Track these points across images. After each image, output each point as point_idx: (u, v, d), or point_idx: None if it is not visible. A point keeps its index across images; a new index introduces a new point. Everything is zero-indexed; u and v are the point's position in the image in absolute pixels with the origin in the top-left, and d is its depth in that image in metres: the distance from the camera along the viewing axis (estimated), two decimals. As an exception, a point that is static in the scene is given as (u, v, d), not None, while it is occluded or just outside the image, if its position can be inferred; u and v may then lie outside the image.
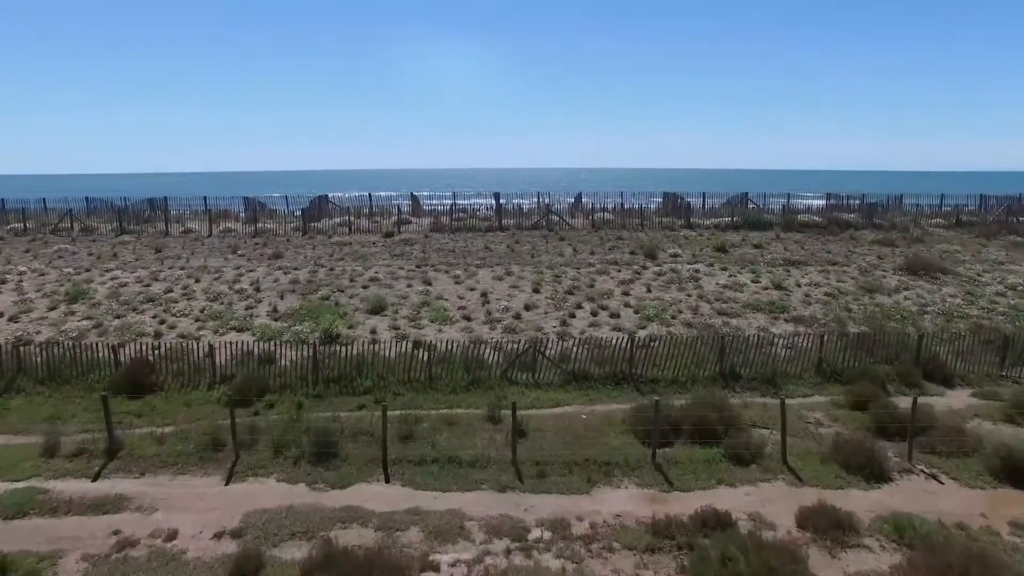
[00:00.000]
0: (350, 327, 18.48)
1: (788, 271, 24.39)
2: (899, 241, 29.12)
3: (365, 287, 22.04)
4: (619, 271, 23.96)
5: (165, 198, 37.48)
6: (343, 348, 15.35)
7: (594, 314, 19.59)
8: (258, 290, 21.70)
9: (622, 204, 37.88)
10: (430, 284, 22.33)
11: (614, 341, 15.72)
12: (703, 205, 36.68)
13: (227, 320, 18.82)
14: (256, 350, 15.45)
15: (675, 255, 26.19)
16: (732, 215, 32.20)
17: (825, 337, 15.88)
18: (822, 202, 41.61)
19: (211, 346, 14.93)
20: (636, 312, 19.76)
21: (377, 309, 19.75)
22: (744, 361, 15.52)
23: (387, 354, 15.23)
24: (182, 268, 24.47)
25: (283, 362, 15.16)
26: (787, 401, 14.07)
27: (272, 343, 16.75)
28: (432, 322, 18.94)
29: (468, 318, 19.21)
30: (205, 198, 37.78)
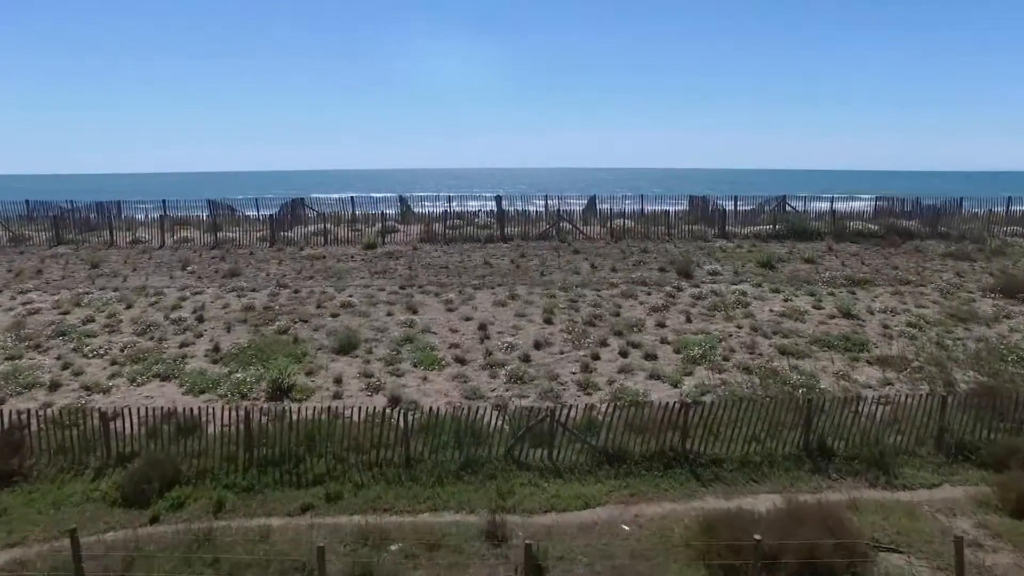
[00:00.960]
0: (308, 373, 14.71)
1: (854, 293, 20.59)
2: (975, 254, 25.30)
3: (335, 316, 18.24)
4: (649, 294, 20.14)
5: (118, 202, 33.76)
6: (293, 408, 11.60)
7: (623, 354, 15.80)
8: (201, 320, 17.91)
9: (642, 209, 34.07)
10: (416, 312, 18.53)
11: (656, 401, 11.96)
12: (735, 210, 32.87)
13: (152, 363, 15.04)
14: (177, 413, 11.65)
15: (714, 273, 22.37)
16: (774, 223, 28.38)
17: (949, 399, 12.04)
18: (866, 205, 37.87)
19: (103, 413, 11.11)
20: (677, 352, 15.97)
21: (346, 347, 15.96)
22: (836, 429, 11.73)
23: (351, 418, 11.44)
24: (116, 289, 20.69)
25: (212, 429, 11.39)
26: (907, 496, 10.39)
27: (202, 400, 13.09)
28: (415, 367, 15.16)
29: (462, 360, 15.41)
30: (164, 202, 34.00)
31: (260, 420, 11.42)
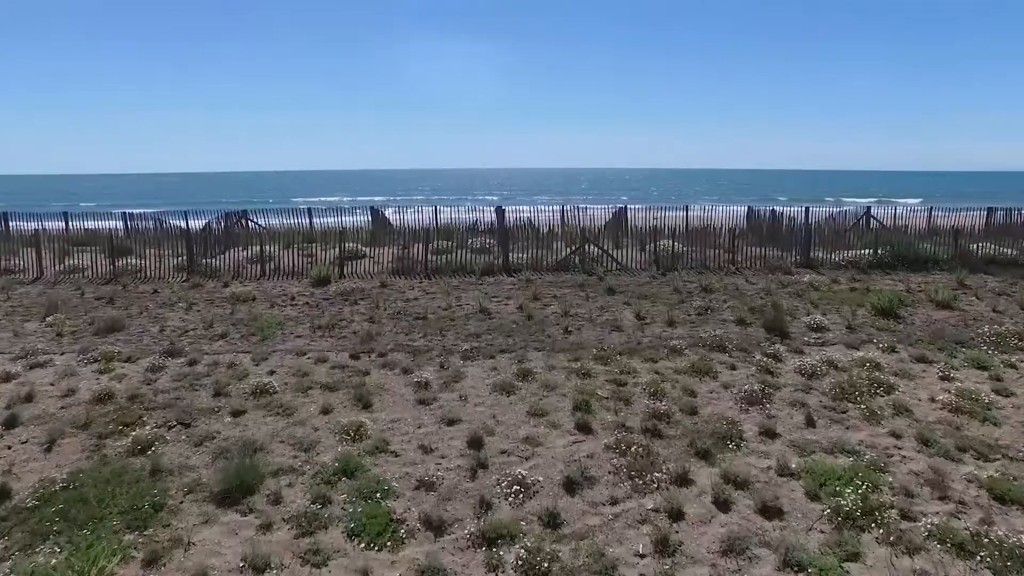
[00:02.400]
0: (150, 562, 8.30)
1: (1042, 364, 14.18)
2: None
3: (237, 415, 11.85)
4: (734, 368, 13.75)
5: (4, 213, 27.32)
6: None
7: (722, 504, 9.45)
8: (12, 423, 11.53)
9: (686, 224, 27.60)
10: (369, 407, 12.15)
11: None
12: (805, 224, 26.47)
13: None
14: None
15: (819, 328, 15.97)
16: (874, 246, 21.92)
17: None
18: (960, 210, 31.56)
19: None
20: (812, 495, 9.61)
21: (237, 490, 9.57)
22: None
23: None
24: (-81, 358, 14.30)
25: None
26: None
27: None
28: (352, 537, 8.79)
29: (437, 524, 9.01)
30: (66, 215, 27.60)
31: None
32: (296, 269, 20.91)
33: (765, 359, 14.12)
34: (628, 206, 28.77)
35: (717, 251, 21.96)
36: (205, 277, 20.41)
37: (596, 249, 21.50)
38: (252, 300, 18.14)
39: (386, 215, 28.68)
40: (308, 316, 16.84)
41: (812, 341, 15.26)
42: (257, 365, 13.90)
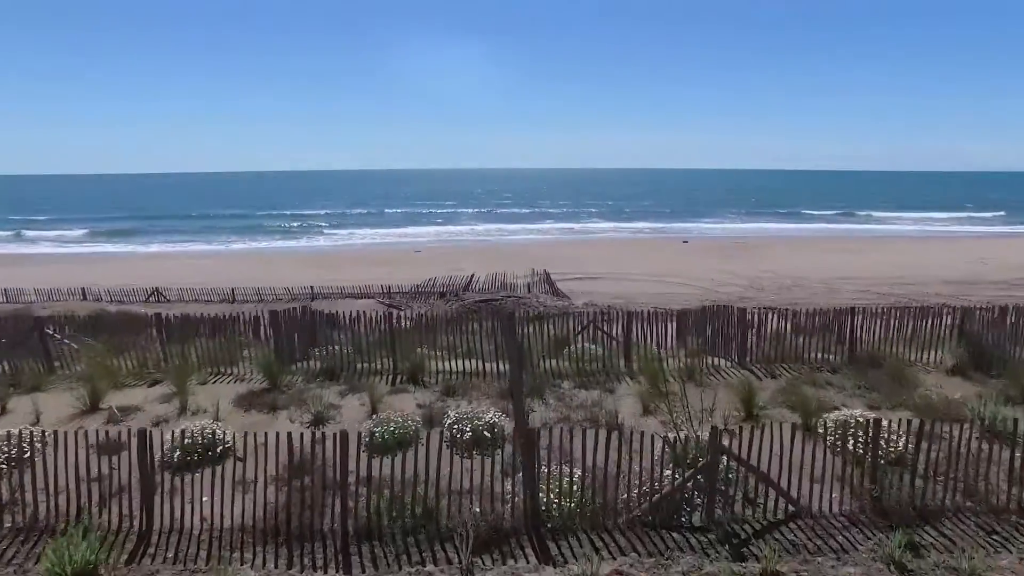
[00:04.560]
0: None
1: None
2: None
3: None
4: None
5: None
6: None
7: None
8: None
9: (816, 326, 15.58)
10: None
11: None
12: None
13: None
14: None
15: None
16: None
17: None
18: None
19: None
20: None
21: None
22: None
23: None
24: None
25: None
26: None
27: None
28: None
29: None
30: None
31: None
32: (71, 503, 9.54)
33: None
34: (734, 306, 15.78)
35: (983, 443, 10.57)
36: None
37: (734, 461, 10.00)
38: None
39: (319, 318, 15.68)
40: None
41: None
42: None
